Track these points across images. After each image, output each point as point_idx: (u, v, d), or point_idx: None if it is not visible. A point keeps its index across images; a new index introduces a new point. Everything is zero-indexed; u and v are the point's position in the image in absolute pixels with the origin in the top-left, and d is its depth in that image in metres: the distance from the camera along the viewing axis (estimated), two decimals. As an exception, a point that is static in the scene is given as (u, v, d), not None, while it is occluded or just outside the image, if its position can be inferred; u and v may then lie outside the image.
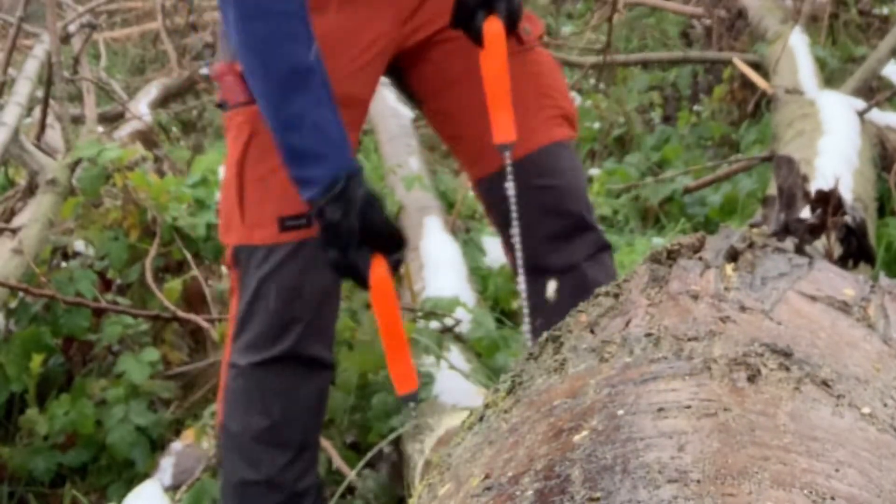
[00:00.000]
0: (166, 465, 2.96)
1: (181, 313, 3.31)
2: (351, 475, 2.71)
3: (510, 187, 2.11)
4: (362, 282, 2.04)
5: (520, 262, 2.13)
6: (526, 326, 2.22)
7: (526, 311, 2.18)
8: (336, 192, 1.98)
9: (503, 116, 2.08)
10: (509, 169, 2.10)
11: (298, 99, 1.96)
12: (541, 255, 2.24)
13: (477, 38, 2.10)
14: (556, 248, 2.26)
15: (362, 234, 2.00)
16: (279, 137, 2.00)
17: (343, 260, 2.01)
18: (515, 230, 2.13)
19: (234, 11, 1.98)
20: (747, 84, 5.52)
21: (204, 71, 7.19)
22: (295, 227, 2.09)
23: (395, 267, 2.06)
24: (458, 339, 3.20)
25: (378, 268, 2.03)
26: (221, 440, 2.30)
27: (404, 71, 2.29)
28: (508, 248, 2.29)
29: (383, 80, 2.32)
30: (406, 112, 5.19)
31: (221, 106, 2.17)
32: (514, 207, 2.12)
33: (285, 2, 1.97)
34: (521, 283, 2.16)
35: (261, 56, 1.98)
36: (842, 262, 2.42)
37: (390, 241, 2.06)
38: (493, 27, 2.09)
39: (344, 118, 2.03)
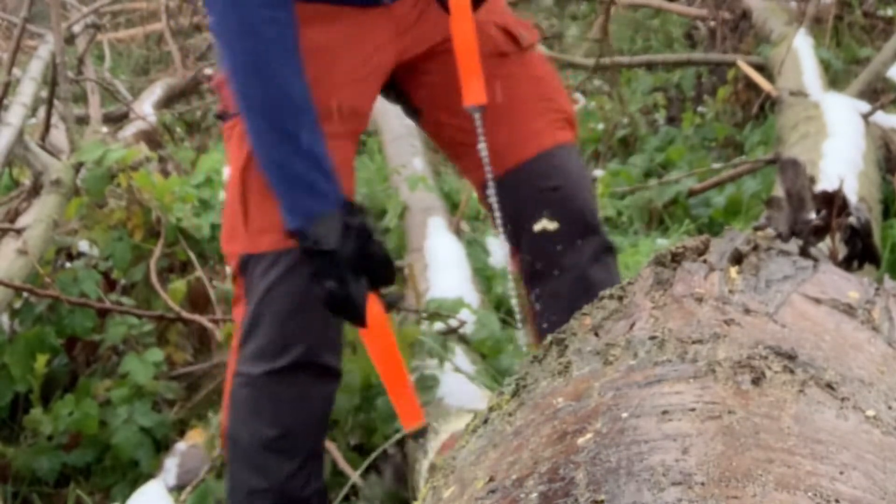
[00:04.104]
0: (170, 466, 2.97)
1: (185, 314, 3.31)
2: (354, 476, 2.71)
3: (482, 148, 2.11)
4: (360, 317, 2.01)
5: (504, 244, 2.12)
6: (519, 325, 2.23)
7: (517, 308, 2.19)
8: (330, 221, 1.95)
9: (473, 80, 2.07)
10: (479, 127, 2.10)
11: (292, 124, 1.95)
12: (548, 257, 2.25)
13: (444, 5, 2.09)
14: (562, 250, 2.25)
15: (360, 265, 1.98)
16: (273, 163, 1.98)
17: (340, 292, 1.98)
18: (498, 218, 2.13)
19: (222, 32, 1.98)
20: (751, 85, 5.52)
21: (208, 71, 7.20)
22: None
23: (390, 305, 2.05)
24: (463, 340, 3.20)
25: (373, 305, 2.00)
26: (228, 449, 2.28)
27: (402, 82, 2.29)
28: (514, 254, 2.29)
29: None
30: (410, 112, 5.18)
31: (221, 117, 2.16)
32: (494, 198, 2.12)
33: (273, 24, 1.96)
34: (511, 283, 2.17)
35: (250, 79, 1.97)
36: (846, 263, 2.42)
37: (386, 272, 2.04)
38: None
39: (344, 129, 2.03)
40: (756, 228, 2.38)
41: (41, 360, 3.13)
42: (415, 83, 2.28)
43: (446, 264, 3.72)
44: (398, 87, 2.30)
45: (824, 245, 2.40)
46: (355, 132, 2.19)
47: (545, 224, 2.21)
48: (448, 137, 2.33)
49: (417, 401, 2.12)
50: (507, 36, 2.23)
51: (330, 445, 2.80)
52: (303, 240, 1.98)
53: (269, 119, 1.97)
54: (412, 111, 2.38)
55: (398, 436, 2.71)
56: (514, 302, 2.25)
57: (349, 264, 1.96)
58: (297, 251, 2.06)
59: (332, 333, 2.19)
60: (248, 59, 1.96)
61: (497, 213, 2.16)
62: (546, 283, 2.27)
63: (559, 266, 2.26)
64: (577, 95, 6.34)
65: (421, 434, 2.10)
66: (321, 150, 1.97)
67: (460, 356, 3.04)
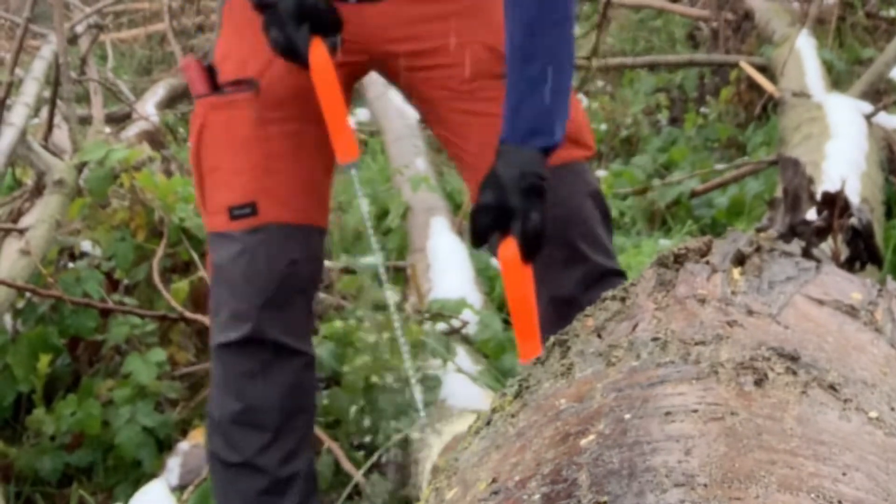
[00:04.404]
0: (173, 466, 2.97)
1: (188, 314, 3.31)
2: (357, 476, 2.71)
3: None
4: (302, 60, 2.07)
5: None
6: None
7: None
8: None
9: (341, 136, 2.11)
10: (357, 187, 2.22)
11: None
12: (537, 281, 2.08)
13: (304, 64, 2.11)
14: (550, 276, 2.15)
15: (299, 13, 2.04)
16: None
17: (282, 38, 2.05)
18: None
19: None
20: (754, 86, 5.52)
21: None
22: (241, 216, 2.16)
23: (332, 48, 2.09)
24: (466, 340, 3.20)
25: (317, 48, 2.07)
26: (207, 424, 2.37)
27: (409, 96, 2.33)
28: None
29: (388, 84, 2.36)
30: (412, 113, 5.19)
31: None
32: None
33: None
34: None
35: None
36: (848, 264, 2.42)
37: (328, 19, 2.09)
38: (507, 252, 1.99)
39: None
40: (758, 230, 2.38)
41: (44, 360, 3.14)
42: (417, 97, 2.30)
43: (449, 265, 3.72)
44: (404, 87, 2.32)
45: (826, 246, 2.40)
46: None
47: None
48: (451, 150, 2.33)
49: (354, 137, 2.18)
50: (497, 57, 2.13)
51: (333, 445, 2.80)
52: None
53: None
54: (413, 104, 2.41)
55: (400, 435, 2.72)
56: None
57: (290, 14, 2.04)
58: (241, 232, 2.17)
59: (285, 313, 2.23)
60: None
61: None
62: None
63: (543, 293, 2.11)
64: (580, 97, 6.35)
65: (353, 166, 2.15)
66: None
67: (463, 357, 3.04)
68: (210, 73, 2.18)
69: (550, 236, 2.07)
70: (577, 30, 7.77)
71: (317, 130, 2.14)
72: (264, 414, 2.25)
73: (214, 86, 2.17)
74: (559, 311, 2.07)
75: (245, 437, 2.25)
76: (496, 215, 2.00)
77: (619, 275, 2.23)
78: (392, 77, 2.31)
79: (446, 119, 2.23)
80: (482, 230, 2.03)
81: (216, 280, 2.24)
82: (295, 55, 2.07)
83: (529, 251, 1.99)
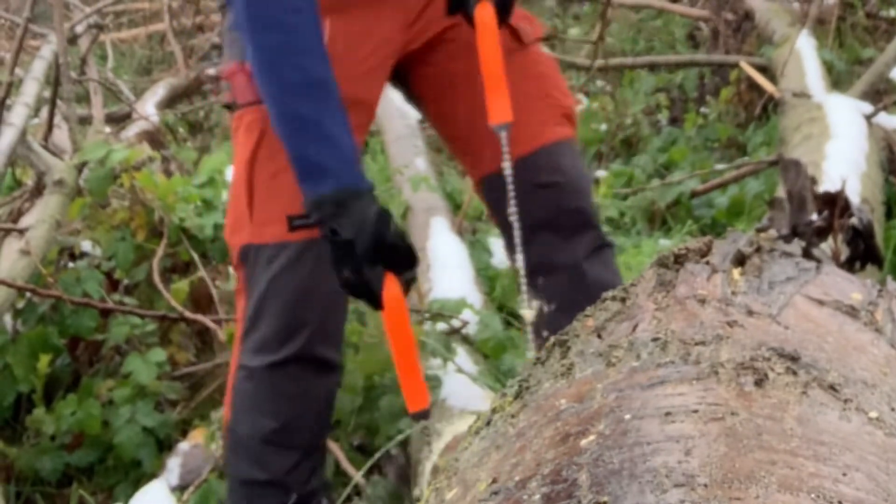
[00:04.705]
0: (173, 466, 2.97)
1: (188, 314, 3.31)
2: (357, 476, 2.71)
3: (507, 167, 2.12)
4: (376, 301, 2.01)
5: (519, 251, 2.13)
6: (528, 323, 2.23)
7: (525, 313, 2.19)
8: (347, 208, 1.95)
9: (499, 98, 2.08)
10: (505, 146, 2.10)
11: (314, 110, 1.95)
12: (544, 252, 2.26)
13: (470, 21, 2.10)
14: (558, 245, 2.26)
15: (376, 252, 1.97)
16: (292, 149, 1.98)
17: (357, 279, 1.98)
18: (513, 213, 2.13)
19: (247, 24, 1.98)
20: (754, 86, 5.52)
21: (211, 71, 7.20)
22: (303, 226, 2.05)
23: (407, 286, 2.04)
24: (466, 340, 3.20)
25: (391, 287, 2.00)
26: (228, 441, 2.29)
27: (407, 73, 2.29)
28: (510, 250, 2.29)
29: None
30: (413, 113, 5.18)
31: (230, 107, 2.16)
32: (511, 190, 2.12)
33: (297, 14, 1.96)
34: (522, 278, 2.17)
35: (276, 68, 1.97)
36: (849, 264, 2.42)
37: (404, 259, 2.03)
38: (484, 12, 2.10)
39: (352, 120, 2.02)
40: (759, 230, 2.38)
41: (44, 360, 3.14)
42: (418, 73, 2.29)
43: (449, 264, 3.72)
44: (402, 78, 2.31)
45: (826, 246, 2.40)
46: (364, 124, 2.19)
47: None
48: (448, 128, 2.34)
49: (425, 384, 2.11)
50: (509, 32, 2.23)
51: (333, 445, 2.80)
52: (323, 228, 1.98)
53: (292, 107, 1.97)
54: (414, 100, 2.39)
55: (401, 436, 2.71)
56: (524, 298, 2.23)
57: (367, 253, 1.96)
58: (299, 243, 2.08)
59: (332, 326, 2.20)
60: (272, 49, 1.97)
61: (512, 201, 2.15)
62: (544, 277, 2.28)
63: (555, 261, 2.27)
64: (580, 96, 6.35)
65: (424, 416, 2.09)
66: (346, 136, 1.97)
67: (463, 357, 3.04)
68: None
69: (558, 206, 2.24)
70: (577, 30, 7.79)
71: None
72: (300, 433, 2.22)
73: None
74: (571, 280, 2.26)
75: (276, 457, 2.21)
76: None
77: (610, 246, 2.38)
78: (407, 64, 2.28)
79: (448, 94, 2.23)
80: None
81: (262, 294, 2.14)
82: (369, 297, 2.01)
83: (504, 13, 2.12)
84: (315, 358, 2.17)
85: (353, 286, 2.00)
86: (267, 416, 2.20)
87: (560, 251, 2.27)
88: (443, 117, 2.34)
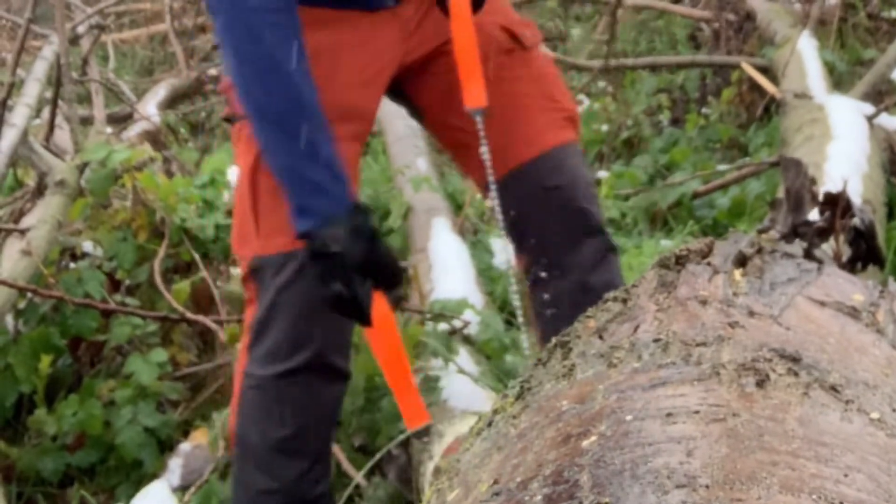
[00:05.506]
0: (174, 466, 2.97)
1: (189, 314, 3.31)
2: (358, 477, 2.71)
3: (484, 151, 2.12)
4: (365, 318, 2.00)
5: (508, 245, 2.13)
6: (522, 328, 2.24)
7: (519, 310, 2.20)
8: (339, 223, 1.95)
9: (473, 83, 2.08)
10: (481, 131, 2.10)
11: (301, 132, 1.94)
12: (552, 255, 2.26)
13: (444, 8, 2.10)
14: (565, 248, 2.26)
15: (367, 265, 1.97)
16: (281, 167, 1.98)
17: (347, 294, 1.97)
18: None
19: (223, 42, 1.98)
20: (756, 87, 5.52)
21: (212, 72, 7.20)
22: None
23: (395, 304, 2.04)
24: (467, 340, 3.20)
25: (379, 304, 2.00)
26: (237, 450, 2.28)
27: (405, 84, 2.29)
28: (520, 254, 2.30)
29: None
30: (413, 114, 5.18)
31: (229, 119, 2.16)
32: (496, 200, 2.13)
33: (277, 31, 1.95)
34: (514, 287, 2.17)
35: (252, 88, 1.96)
36: (850, 265, 2.42)
37: (393, 275, 2.04)
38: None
39: (350, 131, 2.02)
40: (760, 231, 2.38)
41: (45, 361, 3.14)
42: (418, 85, 2.29)
43: (450, 265, 3.72)
44: (401, 89, 2.30)
45: (828, 247, 2.40)
46: (361, 135, 2.19)
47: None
48: (451, 138, 2.34)
49: (421, 400, 2.11)
50: (510, 36, 2.24)
51: (334, 446, 2.80)
52: (311, 242, 1.97)
53: (275, 123, 1.96)
54: (415, 112, 2.39)
55: (402, 437, 2.71)
56: (516, 304, 2.25)
57: (356, 267, 1.96)
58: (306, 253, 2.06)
59: (341, 335, 2.19)
60: (253, 65, 1.96)
61: (499, 215, 2.17)
62: (548, 284, 2.28)
63: (560, 267, 2.27)
64: (581, 97, 6.35)
65: (424, 433, 2.09)
66: (329, 152, 1.97)
67: (464, 357, 3.04)
68: None
69: (564, 209, 2.23)
70: (579, 31, 7.79)
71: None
72: (310, 441, 2.21)
73: None
74: (576, 284, 2.26)
75: (286, 465, 2.20)
76: None
77: (615, 250, 2.37)
78: (408, 76, 2.28)
79: (451, 104, 2.23)
80: None
81: (271, 304, 2.13)
82: (359, 314, 2.01)
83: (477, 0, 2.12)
84: (325, 366, 2.16)
85: (342, 301, 1.99)
86: (276, 424, 2.19)
87: (565, 257, 2.27)
88: (443, 126, 2.34)
